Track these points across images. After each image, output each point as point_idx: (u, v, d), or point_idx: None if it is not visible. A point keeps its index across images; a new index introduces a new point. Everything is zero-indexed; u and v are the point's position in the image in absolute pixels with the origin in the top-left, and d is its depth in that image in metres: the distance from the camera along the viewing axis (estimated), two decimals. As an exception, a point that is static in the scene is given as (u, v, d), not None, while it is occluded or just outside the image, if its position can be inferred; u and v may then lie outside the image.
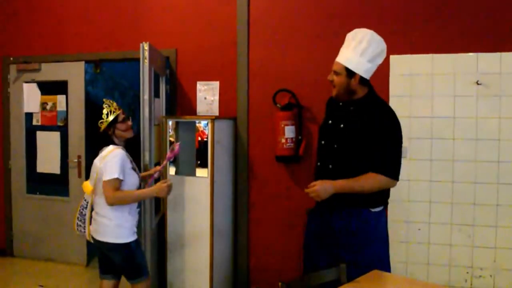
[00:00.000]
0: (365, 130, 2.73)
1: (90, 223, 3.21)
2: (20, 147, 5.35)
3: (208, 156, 3.93)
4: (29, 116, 5.32)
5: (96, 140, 3.26)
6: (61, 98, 5.19)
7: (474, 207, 3.94)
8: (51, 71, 5.17)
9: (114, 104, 3.22)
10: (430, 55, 3.99)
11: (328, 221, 2.88)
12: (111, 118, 3.14)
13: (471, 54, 3.91)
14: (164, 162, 3.44)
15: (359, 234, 2.80)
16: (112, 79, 11.21)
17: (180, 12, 4.63)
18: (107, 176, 3.01)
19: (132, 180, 3.14)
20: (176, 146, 3.33)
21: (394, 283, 2.60)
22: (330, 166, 2.87)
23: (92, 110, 5.62)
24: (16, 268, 5.07)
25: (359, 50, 2.72)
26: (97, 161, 3.15)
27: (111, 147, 3.15)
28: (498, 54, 3.85)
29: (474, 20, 3.91)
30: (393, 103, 4.00)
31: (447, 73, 3.95)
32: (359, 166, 2.74)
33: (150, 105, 3.82)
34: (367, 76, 2.77)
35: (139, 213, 3.37)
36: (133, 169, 3.19)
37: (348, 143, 2.79)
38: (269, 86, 4.29)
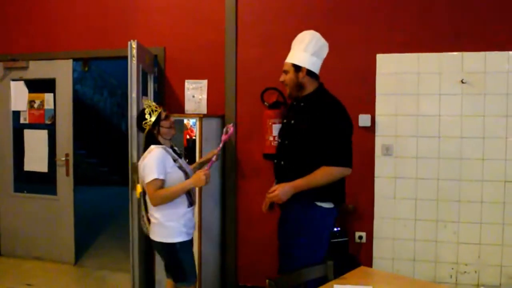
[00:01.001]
0: (313, 125, 2.82)
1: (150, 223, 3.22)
2: (7, 145, 5.31)
3: (196, 154, 3.94)
4: (16, 114, 5.28)
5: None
6: (48, 97, 5.16)
7: (459, 204, 4.00)
8: (38, 69, 5.13)
9: (154, 103, 3.19)
10: (416, 54, 4.03)
11: (283, 214, 3.04)
12: (153, 118, 3.09)
13: (456, 53, 3.96)
14: (221, 145, 3.27)
15: (301, 226, 2.90)
16: (100, 77, 11.20)
17: (168, 10, 4.63)
18: (146, 178, 2.97)
19: (174, 177, 3.04)
20: (231, 128, 3.22)
21: (381, 279, 2.64)
22: (282, 162, 2.98)
23: (81, 109, 5.64)
24: (4, 267, 5.05)
25: (302, 47, 2.93)
26: (139, 163, 3.12)
27: (151, 147, 3.09)
28: (482, 53, 3.91)
29: (459, 20, 3.97)
30: (379, 101, 4.07)
31: (433, 72, 4.00)
32: (309, 161, 2.82)
33: (138, 103, 3.82)
34: (313, 69, 2.92)
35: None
36: (179, 166, 3.09)
37: (297, 138, 2.90)
38: (257, 84, 4.31)
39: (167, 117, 3.15)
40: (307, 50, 2.91)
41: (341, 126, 2.84)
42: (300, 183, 2.80)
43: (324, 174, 2.78)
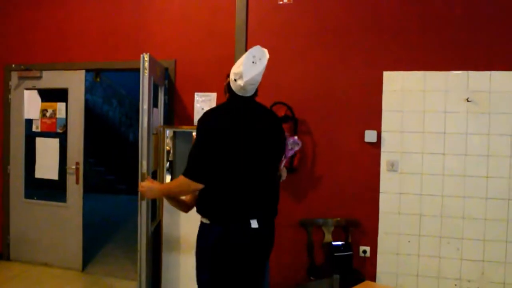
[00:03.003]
0: None
1: None
2: (19, 152, 5.41)
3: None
4: (29, 122, 5.39)
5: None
6: (61, 106, 5.26)
7: (463, 221, 4.04)
8: (52, 79, 5.24)
9: None
10: (422, 72, 4.10)
11: None
12: None
13: (462, 72, 4.02)
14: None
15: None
16: (110, 87, 11.33)
17: (180, 24, 4.73)
18: None
19: None
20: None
21: (384, 294, 2.69)
22: None
23: (90, 118, 5.74)
24: (13, 272, 5.11)
25: None
26: None
27: None
28: (488, 72, 3.97)
29: (465, 39, 4.04)
30: (385, 118, 4.13)
31: (439, 90, 4.06)
32: None
33: (149, 114, 3.90)
34: (238, 78, 2.67)
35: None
36: None
37: None
38: (265, 98, 4.35)
39: None
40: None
41: (198, 138, 2.65)
42: (163, 186, 2.88)
43: (176, 182, 2.73)
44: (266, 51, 2.75)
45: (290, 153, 3.18)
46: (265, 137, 2.75)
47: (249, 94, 2.78)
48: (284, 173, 3.10)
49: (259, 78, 2.75)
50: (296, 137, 3.20)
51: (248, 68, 2.65)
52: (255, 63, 2.68)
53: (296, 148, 3.22)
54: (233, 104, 2.78)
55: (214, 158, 2.59)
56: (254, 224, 2.64)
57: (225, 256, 2.63)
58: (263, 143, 2.73)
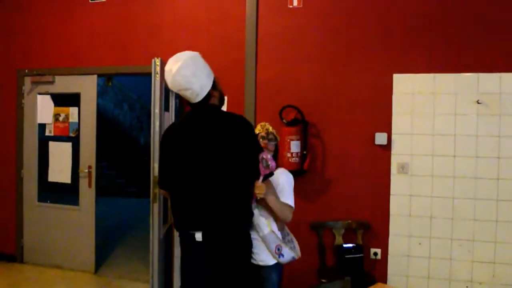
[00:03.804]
0: None
1: None
2: (32, 156, 5.47)
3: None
4: (42, 127, 5.45)
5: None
6: (73, 110, 5.32)
7: (474, 223, 4.04)
8: (64, 84, 5.30)
9: (262, 126, 3.16)
10: (432, 74, 4.11)
11: None
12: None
13: (472, 74, 4.03)
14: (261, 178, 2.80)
15: None
16: (121, 91, 11.40)
17: (190, 29, 4.78)
18: None
19: None
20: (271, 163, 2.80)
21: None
22: None
23: (101, 122, 5.79)
24: (26, 275, 5.17)
25: None
26: None
27: None
28: (498, 74, 3.98)
29: (475, 41, 4.04)
30: (396, 120, 4.15)
31: (449, 92, 4.07)
32: None
33: (160, 118, 3.94)
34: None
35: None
36: None
37: None
38: (275, 102, 4.41)
39: (263, 138, 3.14)
40: None
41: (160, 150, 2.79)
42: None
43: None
44: (187, 55, 2.55)
45: (264, 172, 2.77)
46: (212, 147, 2.53)
47: (193, 101, 2.61)
48: (259, 190, 2.63)
49: (183, 83, 2.51)
50: (269, 155, 2.70)
51: (166, 74, 2.57)
52: (171, 68, 2.53)
53: (269, 164, 2.80)
54: (187, 113, 2.75)
55: (166, 168, 2.68)
56: (198, 236, 2.54)
57: (183, 264, 2.69)
58: (209, 154, 2.53)
